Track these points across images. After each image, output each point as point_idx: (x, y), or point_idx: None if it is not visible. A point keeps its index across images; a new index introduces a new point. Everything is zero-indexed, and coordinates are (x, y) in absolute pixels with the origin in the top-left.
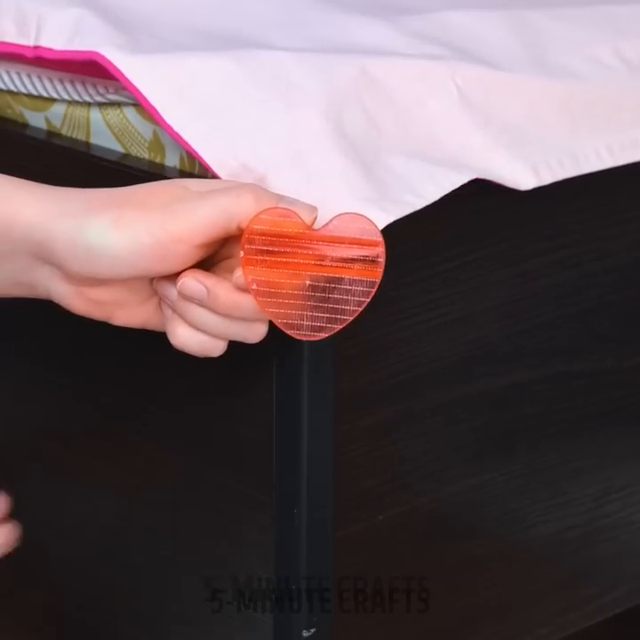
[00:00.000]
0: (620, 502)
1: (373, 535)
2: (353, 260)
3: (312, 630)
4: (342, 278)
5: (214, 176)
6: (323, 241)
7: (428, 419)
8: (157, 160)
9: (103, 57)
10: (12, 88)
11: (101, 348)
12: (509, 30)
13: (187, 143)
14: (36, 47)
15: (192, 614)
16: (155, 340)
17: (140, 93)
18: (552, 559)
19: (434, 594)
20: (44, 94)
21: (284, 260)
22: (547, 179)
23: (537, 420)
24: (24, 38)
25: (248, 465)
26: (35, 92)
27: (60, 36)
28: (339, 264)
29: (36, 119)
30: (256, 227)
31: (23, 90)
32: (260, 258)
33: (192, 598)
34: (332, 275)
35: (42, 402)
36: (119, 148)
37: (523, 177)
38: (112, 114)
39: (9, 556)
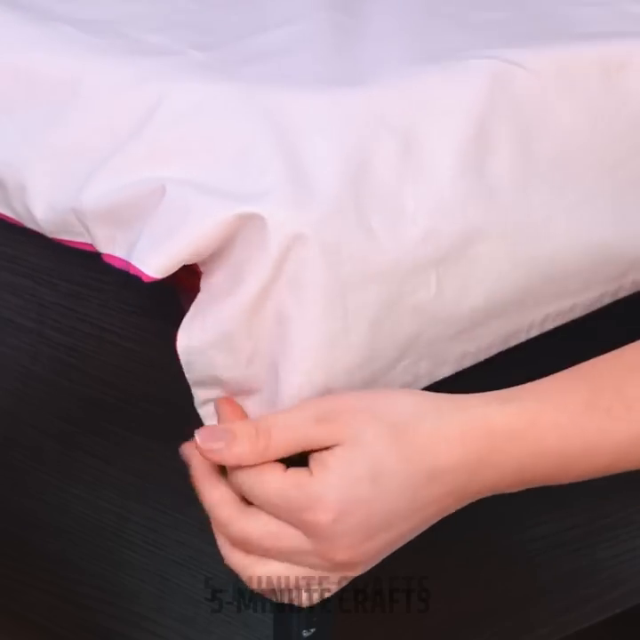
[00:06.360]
0: (620, 502)
1: None
2: None
3: (312, 630)
4: None
5: None
6: None
7: None
8: None
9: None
10: None
11: (101, 349)
12: None
13: None
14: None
15: (192, 614)
16: (154, 340)
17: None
18: (552, 559)
19: (434, 594)
20: None
21: None
22: None
23: None
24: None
25: None
26: None
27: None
28: None
29: None
30: None
31: None
32: None
33: (192, 598)
34: None
35: (42, 401)
36: None
37: None
38: None
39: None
